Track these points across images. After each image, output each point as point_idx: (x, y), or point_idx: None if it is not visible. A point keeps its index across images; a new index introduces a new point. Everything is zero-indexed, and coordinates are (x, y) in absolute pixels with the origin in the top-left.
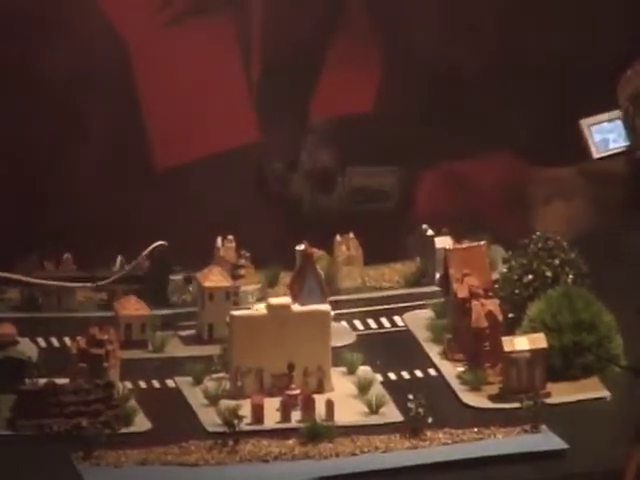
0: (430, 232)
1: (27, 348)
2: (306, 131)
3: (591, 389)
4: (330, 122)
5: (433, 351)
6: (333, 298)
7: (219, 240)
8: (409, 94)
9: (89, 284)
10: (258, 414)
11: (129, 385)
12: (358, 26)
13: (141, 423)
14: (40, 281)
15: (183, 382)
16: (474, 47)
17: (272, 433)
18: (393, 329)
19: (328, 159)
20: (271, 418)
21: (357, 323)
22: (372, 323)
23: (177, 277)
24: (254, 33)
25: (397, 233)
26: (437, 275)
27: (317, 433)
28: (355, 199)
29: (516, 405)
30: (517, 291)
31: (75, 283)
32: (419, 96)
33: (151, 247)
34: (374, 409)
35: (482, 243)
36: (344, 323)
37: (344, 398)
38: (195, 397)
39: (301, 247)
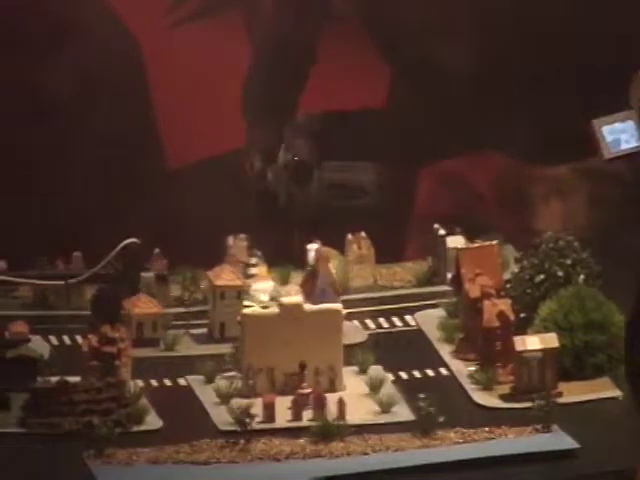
0: (442, 231)
1: (39, 346)
2: (308, 130)
3: (603, 389)
4: (329, 119)
5: (444, 350)
6: (345, 297)
7: (230, 239)
8: (412, 92)
9: (61, 282)
10: (270, 413)
11: (140, 383)
12: (354, 24)
13: (152, 421)
14: (8, 278)
15: (195, 380)
16: (475, 46)
17: (283, 432)
18: (405, 328)
19: (315, 156)
20: (282, 417)
21: (369, 322)
22: (384, 322)
23: (148, 275)
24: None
25: (405, 232)
26: (449, 274)
27: (328, 432)
28: (331, 194)
29: (527, 405)
30: (529, 291)
31: (47, 281)
32: (421, 94)
33: (122, 244)
34: (385, 408)
35: (494, 243)
36: (356, 322)
37: (355, 397)
38: (207, 396)
39: (313, 246)
